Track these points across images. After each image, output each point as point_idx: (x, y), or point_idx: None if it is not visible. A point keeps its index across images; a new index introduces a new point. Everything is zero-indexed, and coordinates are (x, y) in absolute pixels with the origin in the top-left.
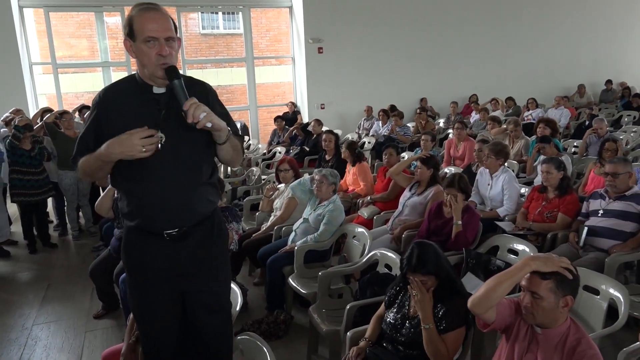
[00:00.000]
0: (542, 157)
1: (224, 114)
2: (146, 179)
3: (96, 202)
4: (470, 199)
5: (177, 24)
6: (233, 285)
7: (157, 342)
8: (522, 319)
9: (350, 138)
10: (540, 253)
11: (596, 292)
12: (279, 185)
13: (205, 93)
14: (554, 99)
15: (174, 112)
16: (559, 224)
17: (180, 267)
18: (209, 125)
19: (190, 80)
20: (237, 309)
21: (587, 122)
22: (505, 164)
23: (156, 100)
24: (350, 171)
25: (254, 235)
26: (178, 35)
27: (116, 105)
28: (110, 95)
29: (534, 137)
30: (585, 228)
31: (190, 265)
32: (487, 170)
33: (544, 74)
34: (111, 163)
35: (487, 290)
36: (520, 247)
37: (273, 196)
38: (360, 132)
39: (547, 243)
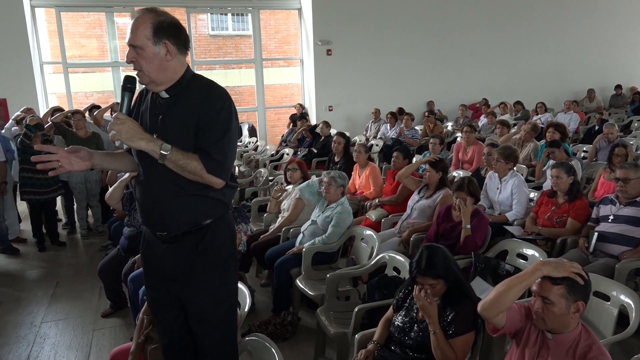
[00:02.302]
0: (551, 162)
1: (208, 126)
2: (143, 180)
3: (107, 192)
4: (478, 203)
5: (166, 26)
6: (242, 286)
7: (164, 334)
8: (533, 324)
9: (358, 140)
10: (551, 258)
11: (607, 298)
12: (287, 187)
13: (199, 104)
14: (563, 103)
15: (171, 120)
16: (569, 229)
17: (168, 270)
18: (117, 143)
19: (203, 86)
20: (246, 310)
21: (596, 127)
22: (514, 168)
23: (159, 105)
24: (362, 174)
25: (261, 236)
26: (158, 38)
27: (139, 102)
28: (144, 91)
29: (543, 142)
30: (596, 233)
31: (176, 271)
32: (496, 174)
33: (553, 78)
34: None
35: (497, 294)
36: (529, 252)
37: (281, 197)
38: (367, 134)
39: (557, 248)
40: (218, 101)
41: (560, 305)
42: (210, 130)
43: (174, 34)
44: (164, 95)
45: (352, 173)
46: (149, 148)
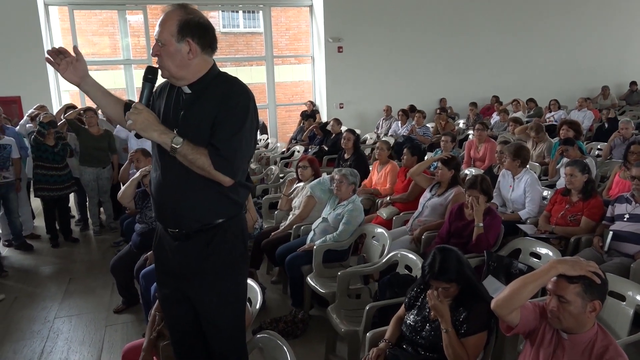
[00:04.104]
0: (565, 160)
1: (221, 122)
2: (159, 174)
3: (120, 191)
4: (491, 201)
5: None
6: (253, 283)
7: (174, 331)
8: (548, 323)
9: (369, 138)
10: (567, 256)
11: (622, 298)
12: (298, 184)
13: (218, 101)
14: (577, 100)
15: (192, 115)
16: (583, 228)
17: (177, 267)
18: (132, 132)
19: (224, 83)
20: (257, 307)
21: (606, 125)
22: (527, 166)
23: (182, 100)
24: (382, 170)
25: (272, 233)
26: (182, 36)
27: (161, 93)
28: (164, 84)
29: (556, 139)
30: (611, 232)
31: (185, 269)
32: (510, 172)
33: (566, 75)
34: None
35: (511, 291)
36: (543, 250)
37: (292, 195)
38: (378, 131)
39: (570, 247)
40: (235, 98)
41: (576, 304)
42: (223, 127)
43: (198, 34)
44: (187, 90)
45: (371, 169)
46: (161, 140)
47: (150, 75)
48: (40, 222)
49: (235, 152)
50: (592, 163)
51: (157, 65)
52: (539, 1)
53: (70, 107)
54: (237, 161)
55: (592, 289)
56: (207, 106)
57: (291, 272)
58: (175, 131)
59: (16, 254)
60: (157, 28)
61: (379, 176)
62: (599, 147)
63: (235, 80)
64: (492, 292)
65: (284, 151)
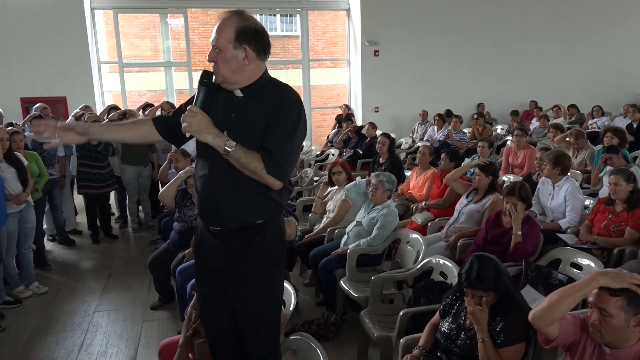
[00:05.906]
0: (608, 168)
1: (275, 127)
2: (207, 173)
3: (161, 190)
4: (530, 209)
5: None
6: (287, 285)
7: (210, 329)
8: (589, 337)
9: (404, 142)
10: (610, 268)
11: None
12: (332, 188)
13: (270, 106)
14: (622, 107)
15: (242, 119)
16: (627, 239)
17: (217, 266)
18: (187, 135)
19: (274, 89)
20: (291, 309)
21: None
22: (568, 174)
23: (232, 103)
24: (421, 175)
25: (306, 236)
26: (239, 42)
27: (212, 95)
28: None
29: (599, 147)
30: None
31: (225, 268)
32: (549, 179)
33: (610, 80)
34: None
35: (550, 303)
36: (584, 261)
37: (326, 198)
38: (414, 136)
39: (614, 259)
40: (288, 105)
41: (619, 317)
42: (276, 133)
43: (254, 40)
44: (239, 94)
45: (409, 174)
46: (215, 143)
47: (205, 79)
48: (82, 219)
49: (287, 157)
50: (638, 172)
51: (207, 70)
52: (580, 4)
53: (113, 107)
54: (287, 166)
55: (636, 302)
56: (259, 110)
57: (324, 275)
58: (225, 133)
59: (59, 248)
60: (213, 34)
61: (417, 181)
62: None
63: (287, 87)
64: (530, 303)
65: (319, 154)
